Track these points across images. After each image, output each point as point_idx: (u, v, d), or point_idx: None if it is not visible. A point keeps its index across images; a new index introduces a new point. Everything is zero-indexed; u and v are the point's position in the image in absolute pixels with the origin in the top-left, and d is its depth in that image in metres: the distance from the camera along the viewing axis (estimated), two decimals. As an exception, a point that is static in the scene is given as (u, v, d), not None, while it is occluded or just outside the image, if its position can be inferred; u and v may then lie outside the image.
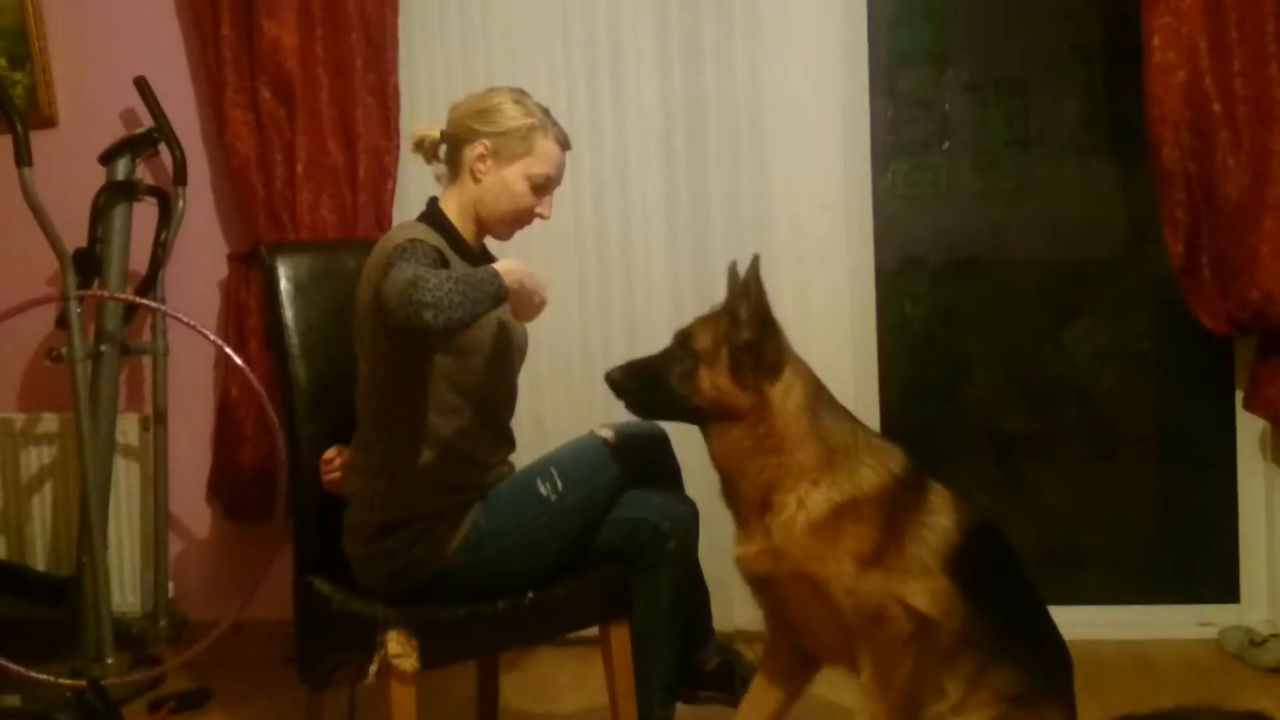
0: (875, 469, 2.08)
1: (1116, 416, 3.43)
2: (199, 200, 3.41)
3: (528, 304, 2.10)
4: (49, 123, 3.45)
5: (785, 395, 2.08)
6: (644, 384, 2.16)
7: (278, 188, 3.25)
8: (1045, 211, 3.40)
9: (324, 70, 3.23)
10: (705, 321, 2.14)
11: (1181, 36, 2.93)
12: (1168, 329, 3.33)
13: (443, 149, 2.40)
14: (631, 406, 2.20)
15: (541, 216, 2.38)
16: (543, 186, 2.34)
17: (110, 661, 2.99)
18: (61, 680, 2.89)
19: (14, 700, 2.86)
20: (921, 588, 2.04)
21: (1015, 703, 2.06)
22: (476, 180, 2.31)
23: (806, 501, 2.06)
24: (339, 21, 3.21)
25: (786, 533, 2.06)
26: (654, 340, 3.15)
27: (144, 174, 3.34)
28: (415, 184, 3.33)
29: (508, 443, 2.40)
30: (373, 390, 2.24)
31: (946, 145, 3.43)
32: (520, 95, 2.36)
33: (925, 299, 3.48)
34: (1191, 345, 3.21)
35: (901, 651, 2.04)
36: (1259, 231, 2.90)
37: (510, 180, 2.30)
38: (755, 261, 2.09)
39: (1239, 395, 3.13)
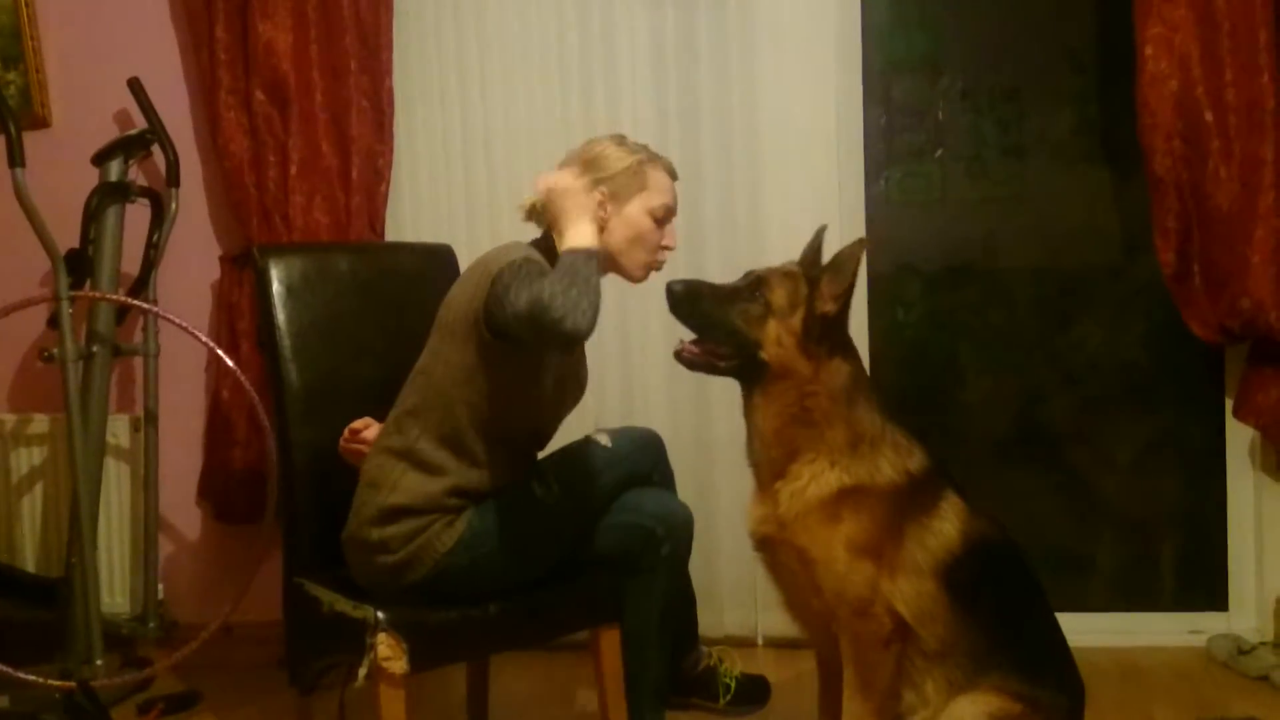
0: (893, 465, 2.11)
1: (1107, 424, 3.43)
2: (192, 202, 3.40)
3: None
4: (42, 123, 3.45)
5: (834, 374, 2.12)
6: (702, 304, 2.18)
7: (271, 190, 3.25)
8: (1038, 219, 3.41)
9: (318, 73, 3.22)
10: (783, 276, 2.16)
11: (1174, 46, 2.94)
12: (1159, 337, 3.34)
13: None
14: (684, 315, 2.20)
15: (668, 248, 2.40)
16: (664, 218, 2.36)
17: (99, 663, 2.98)
18: (51, 681, 2.87)
19: (3, 701, 2.86)
20: (909, 589, 2.05)
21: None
22: (601, 229, 2.30)
23: (819, 478, 2.09)
24: (333, 24, 3.21)
25: (792, 503, 2.10)
26: (648, 346, 3.22)
27: (137, 175, 3.33)
28: (409, 187, 3.34)
29: (525, 470, 2.40)
30: (427, 385, 2.24)
31: (940, 153, 3.44)
32: (620, 138, 2.39)
33: (918, 305, 3.49)
34: (1182, 353, 3.22)
35: (881, 652, 2.05)
36: (1250, 240, 2.91)
37: (634, 218, 2.32)
38: (859, 245, 2.13)
39: (1229, 403, 3.14)
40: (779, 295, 2.12)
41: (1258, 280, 2.90)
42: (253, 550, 3.26)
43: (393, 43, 3.26)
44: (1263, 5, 2.89)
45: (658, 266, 2.40)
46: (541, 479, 2.29)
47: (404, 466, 2.22)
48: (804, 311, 2.11)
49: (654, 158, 2.37)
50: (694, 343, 2.18)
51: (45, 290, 3.31)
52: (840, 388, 2.12)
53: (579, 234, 2.15)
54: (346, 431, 2.39)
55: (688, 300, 2.18)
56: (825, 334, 2.11)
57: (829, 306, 2.11)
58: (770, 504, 2.15)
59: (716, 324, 2.15)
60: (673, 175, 2.41)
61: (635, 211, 2.33)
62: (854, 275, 2.11)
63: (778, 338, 2.10)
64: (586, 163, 2.33)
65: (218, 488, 3.41)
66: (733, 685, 2.75)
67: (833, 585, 2.07)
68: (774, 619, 3.12)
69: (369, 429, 2.37)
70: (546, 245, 2.28)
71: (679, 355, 2.19)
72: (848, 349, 2.16)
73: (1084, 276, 3.43)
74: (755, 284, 2.16)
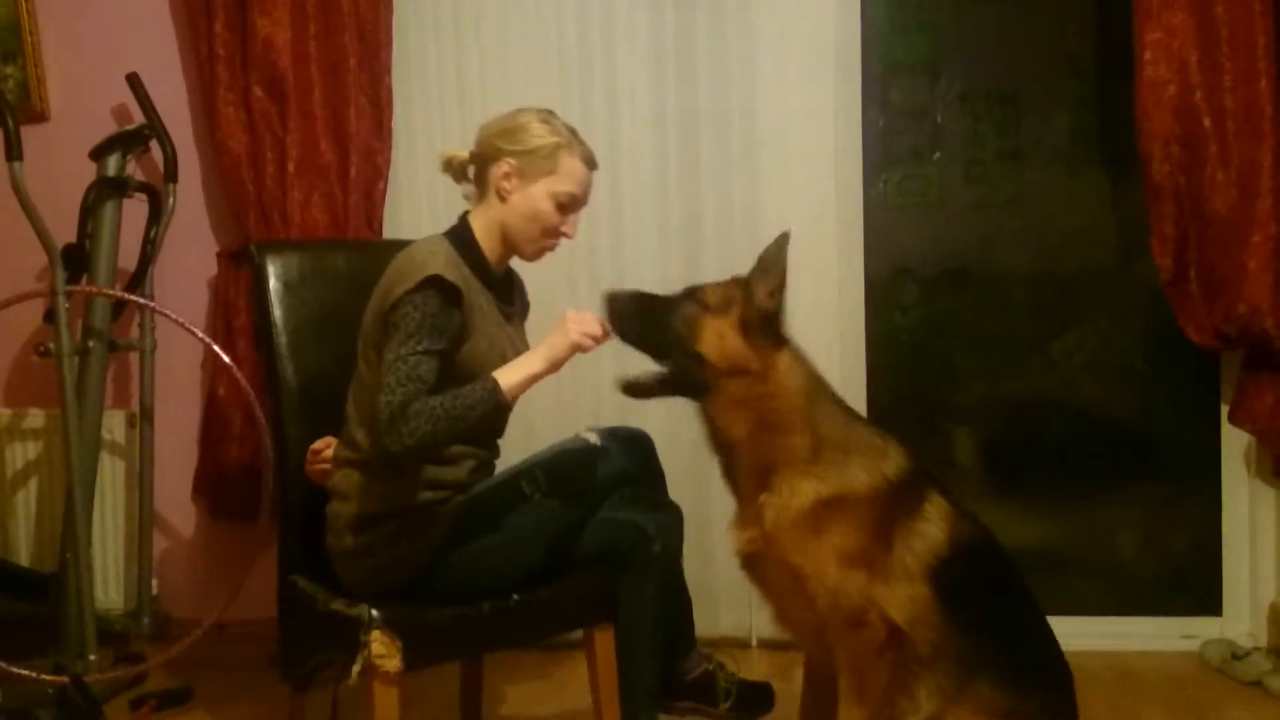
0: (866, 469, 2.08)
1: (1103, 428, 3.44)
2: (189, 197, 3.40)
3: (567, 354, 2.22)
4: (40, 117, 3.44)
5: (789, 370, 2.09)
6: (641, 311, 2.16)
7: (268, 186, 3.25)
8: (1035, 223, 3.42)
9: (317, 69, 3.22)
10: (717, 284, 2.14)
11: (1173, 52, 2.94)
12: (1155, 342, 3.34)
13: (471, 169, 2.40)
14: (619, 328, 2.18)
15: (566, 235, 2.36)
16: (568, 205, 2.33)
17: (93, 658, 2.98)
18: (43, 676, 2.87)
19: (-5, 695, 2.86)
20: (901, 595, 2.05)
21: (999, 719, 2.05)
22: (502, 199, 2.30)
23: (797, 491, 2.07)
24: (333, 21, 3.21)
25: (778, 517, 2.07)
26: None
27: (135, 170, 3.33)
28: (407, 185, 3.33)
29: (491, 455, 2.40)
30: (364, 391, 2.24)
31: (938, 156, 3.44)
32: (548, 115, 2.36)
33: (915, 309, 3.49)
34: (1178, 358, 3.22)
35: (876, 660, 2.04)
36: (1246, 246, 2.91)
37: (535, 198, 2.29)
38: (783, 240, 2.10)
39: (1224, 409, 3.14)
40: (713, 295, 2.11)
41: (1254, 286, 2.90)
42: (247, 547, 3.27)
43: (392, 40, 3.26)
44: (1262, 11, 2.89)
45: (551, 249, 2.38)
46: (530, 476, 2.28)
47: (366, 476, 2.23)
48: (741, 309, 2.09)
49: (574, 143, 2.33)
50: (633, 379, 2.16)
51: (42, 284, 3.30)
52: (797, 386, 2.09)
53: (514, 374, 2.17)
54: (309, 453, 2.38)
55: (629, 308, 2.17)
56: (766, 329, 2.09)
57: (766, 303, 2.09)
58: (754, 520, 2.12)
59: (657, 332, 2.13)
60: (590, 165, 2.36)
61: (539, 192, 2.29)
62: (784, 270, 2.09)
63: (718, 332, 2.08)
64: (506, 131, 2.31)
65: (213, 484, 3.41)
66: (733, 691, 2.73)
67: (826, 598, 2.06)
68: (769, 621, 3.10)
69: (329, 447, 2.37)
70: (461, 235, 2.28)
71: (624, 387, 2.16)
72: (796, 351, 2.13)
73: (1081, 281, 3.43)
74: (689, 290, 2.15)
